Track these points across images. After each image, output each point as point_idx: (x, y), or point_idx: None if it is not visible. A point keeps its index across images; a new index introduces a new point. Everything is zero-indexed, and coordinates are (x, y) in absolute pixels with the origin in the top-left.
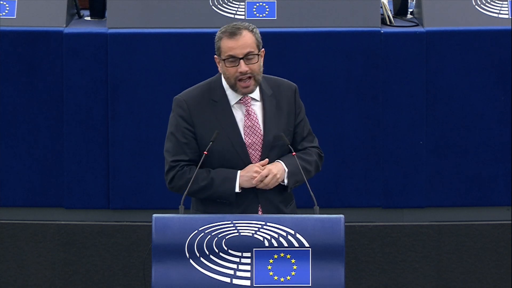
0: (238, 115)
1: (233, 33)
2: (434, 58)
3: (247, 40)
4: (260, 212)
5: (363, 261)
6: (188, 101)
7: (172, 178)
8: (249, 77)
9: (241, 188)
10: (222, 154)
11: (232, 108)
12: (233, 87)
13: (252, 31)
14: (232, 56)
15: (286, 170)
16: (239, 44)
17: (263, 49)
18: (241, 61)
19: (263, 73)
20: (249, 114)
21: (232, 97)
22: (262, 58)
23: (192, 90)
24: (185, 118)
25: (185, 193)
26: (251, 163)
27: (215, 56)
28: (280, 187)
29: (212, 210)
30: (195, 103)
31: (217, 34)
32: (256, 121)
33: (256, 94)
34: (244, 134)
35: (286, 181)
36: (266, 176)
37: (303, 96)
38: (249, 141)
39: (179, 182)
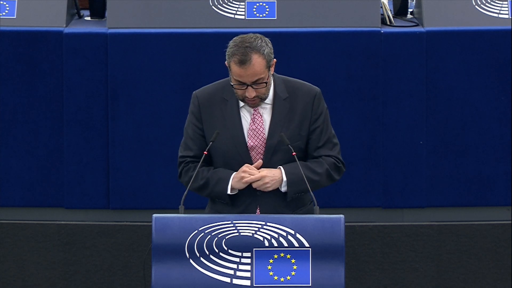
0: (245, 116)
1: (242, 62)
2: (434, 58)
3: (256, 68)
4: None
5: (363, 261)
6: (200, 97)
7: (180, 173)
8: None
9: (233, 189)
10: (225, 154)
11: (241, 109)
12: (241, 100)
13: (263, 53)
14: (240, 82)
15: (285, 179)
16: (248, 73)
17: (274, 59)
18: (249, 87)
19: (283, 75)
20: (254, 117)
21: None
22: (273, 67)
23: (208, 86)
24: (195, 113)
25: (186, 191)
26: (251, 164)
27: (226, 63)
28: (282, 192)
29: (217, 209)
30: (206, 99)
31: (228, 48)
32: (261, 124)
33: (268, 98)
34: (248, 136)
35: (283, 189)
36: (258, 180)
37: None
38: (252, 143)
39: (185, 178)
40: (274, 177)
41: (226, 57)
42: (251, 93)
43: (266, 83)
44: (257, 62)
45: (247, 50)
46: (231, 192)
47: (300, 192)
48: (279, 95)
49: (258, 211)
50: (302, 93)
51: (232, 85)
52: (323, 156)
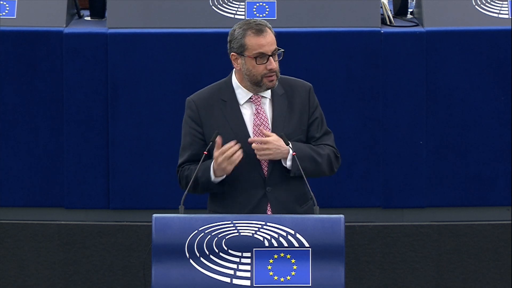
0: (248, 114)
1: (260, 30)
2: (434, 58)
3: (272, 37)
4: (269, 212)
5: (363, 261)
6: (197, 102)
7: (179, 180)
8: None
9: (216, 175)
10: None
11: (241, 107)
12: (258, 83)
13: (270, 28)
14: (262, 53)
15: (291, 152)
16: (268, 41)
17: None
18: (271, 58)
19: None
20: (258, 113)
21: (242, 96)
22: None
23: (202, 91)
24: (193, 118)
25: (186, 191)
26: (259, 161)
27: (233, 53)
28: (292, 186)
29: (221, 210)
30: (204, 103)
31: (236, 31)
32: (265, 119)
33: (267, 93)
34: (253, 132)
35: (288, 163)
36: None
37: None
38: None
39: (182, 182)
40: (279, 147)
41: (235, 40)
42: (274, 64)
43: (280, 55)
44: (270, 32)
45: (258, 22)
46: (216, 178)
47: (302, 169)
48: (276, 91)
49: (268, 207)
50: (297, 88)
51: (255, 58)
52: (323, 144)
